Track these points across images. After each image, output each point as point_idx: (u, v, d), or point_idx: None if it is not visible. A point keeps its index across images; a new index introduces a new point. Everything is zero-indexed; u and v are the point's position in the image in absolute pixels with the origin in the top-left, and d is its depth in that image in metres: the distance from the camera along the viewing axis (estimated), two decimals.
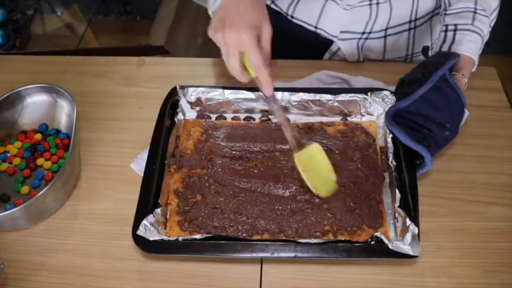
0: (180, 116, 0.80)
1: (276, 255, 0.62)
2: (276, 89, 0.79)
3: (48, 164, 0.77)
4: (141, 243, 0.63)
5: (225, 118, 0.81)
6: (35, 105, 0.80)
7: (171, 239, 0.64)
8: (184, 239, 0.64)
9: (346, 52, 0.92)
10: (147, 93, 0.87)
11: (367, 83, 0.85)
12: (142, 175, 0.70)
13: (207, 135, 0.78)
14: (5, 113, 0.79)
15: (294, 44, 0.93)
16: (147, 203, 0.67)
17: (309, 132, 0.78)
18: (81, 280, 0.65)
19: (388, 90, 0.78)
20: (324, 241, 0.63)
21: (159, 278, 0.65)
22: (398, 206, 0.66)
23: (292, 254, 0.62)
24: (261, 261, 0.66)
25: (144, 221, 0.64)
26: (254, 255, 0.63)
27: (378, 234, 0.62)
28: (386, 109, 0.74)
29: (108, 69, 0.93)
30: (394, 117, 0.71)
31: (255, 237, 0.66)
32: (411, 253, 0.61)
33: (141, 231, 0.63)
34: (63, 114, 0.80)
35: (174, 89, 0.80)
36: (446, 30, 0.75)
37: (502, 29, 0.98)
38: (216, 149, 0.76)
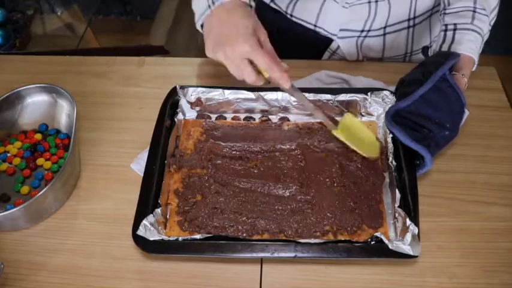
0: (180, 116, 0.80)
1: (276, 255, 0.62)
2: (276, 89, 0.79)
3: (48, 164, 0.77)
4: (141, 243, 0.63)
5: (225, 118, 0.81)
6: (35, 105, 0.80)
7: (171, 239, 0.64)
8: (184, 239, 0.64)
9: (346, 50, 0.92)
10: (147, 93, 0.87)
11: (367, 83, 0.85)
12: (142, 175, 0.70)
13: (207, 135, 0.78)
14: (5, 113, 0.79)
15: (294, 42, 0.93)
16: (147, 203, 0.67)
17: (309, 132, 0.78)
18: (81, 280, 0.65)
19: (388, 90, 0.78)
20: (324, 241, 0.63)
21: (159, 278, 0.65)
22: (398, 206, 0.66)
23: (292, 254, 0.62)
24: (261, 261, 0.66)
25: (144, 221, 0.64)
26: (254, 255, 0.63)
27: (378, 234, 0.62)
28: (386, 109, 0.74)
29: (108, 69, 0.93)
30: (394, 117, 0.71)
31: (255, 237, 0.66)
32: (411, 253, 0.61)
33: (141, 231, 0.63)
34: (63, 114, 0.80)
35: (174, 89, 0.80)
36: (445, 30, 0.75)
37: (502, 29, 0.98)
38: (216, 149, 0.76)
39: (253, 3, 0.70)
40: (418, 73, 0.73)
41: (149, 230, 0.64)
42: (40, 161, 0.77)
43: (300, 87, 0.81)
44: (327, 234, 0.66)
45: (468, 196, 0.72)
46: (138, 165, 0.75)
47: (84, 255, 0.67)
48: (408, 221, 0.63)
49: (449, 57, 0.70)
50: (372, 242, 0.63)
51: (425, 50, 0.84)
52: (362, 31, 0.89)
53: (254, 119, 0.81)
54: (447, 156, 0.77)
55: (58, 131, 0.81)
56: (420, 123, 0.69)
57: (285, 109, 0.80)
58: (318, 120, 0.80)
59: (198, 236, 0.64)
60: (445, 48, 0.73)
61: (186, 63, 0.94)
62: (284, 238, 0.66)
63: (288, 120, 0.80)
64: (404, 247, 0.61)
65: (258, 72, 0.67)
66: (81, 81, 0.90)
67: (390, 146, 0.73)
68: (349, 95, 0.78)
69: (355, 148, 0.73)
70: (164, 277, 0.65)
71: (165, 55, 1.46)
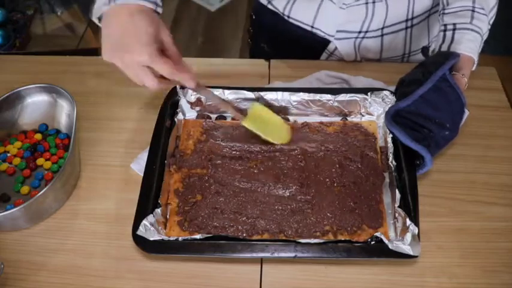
0: (180, 116, 0.80)
1: (276, 255, 0.62)
2: (276, 89, 0.79)
3: (48, 164, 0.77)
4: (141, 243, 0.63)
5: (225, 118, 0.81)
6: (35, 105, 0.80)
7: (171, 239, 0.64)
8: (184, 239, 0.64)
9: (343, 52, 0.92)
10: (147, 93, 0.87)
11: (367, 83, 0.85)
12: (142, 175, 0.70)
13: (207, 135, 0.78)
14: (5, 113, 0.79)
15: (291, 44, 0.93)
16: (147, 203, 0.67)
17: (308, 132, 0.78)
18: (81, 280, 0.65)
19: (388, 90, 0.78)
20: (324, 241, 0.63)
21: (159, 278, 0.65)
22: (398, 206, 0.66)
23: (292, 254, 0.62)
24: (261, 261, 0.66)
25: (144, 221, 0.64)
26: (254, 255, 0.63)
27: (378, 234, 0.62)
28: (386, 109, 0.74)
29: (108, 69, 0.92)
30: (394, 117, 0.71)
31: (255, 237, 0.66)
32: (411, 253, 0.61)
33: (141, 231, 0.63)
34: (63, 114, 0.80)
35: (174, 89, 0.80)
36: (445, 30, 0.75)
37: (501, 29, 0.98)
38: (216, 149, 0.76)
39: (160, 10, 0.67)
40: (418, 73, 0.73)
41: (149, 230, 0.64)
42: (40, 161, 0.77)
43: (300, 87, 0.81)
44: (327, 234, 0.66)
45: (468, 196, 0.72)
46: (138, 165, 0.75)
47: (84, 255, 0.67)
48: (408, 221, 0.63)
49: (449, 57, 0.70)
50: (372, 242, 0.63)
51: (425, 50, 0.84)
52: (359, 32, 0.89)
53: None
54: (447, 156, 0.77)
55: (58, 131, 0.81)
56: (420, 123, 0.69)
57: (285, 109, 0.80)
58: (318, 120, 0.80)
59: (198, 236, 0.64)
60: (444, 48, 0.73)
61: (186, 63, 0.94)
62: (284, 238, 0.66)
63: (288, 120, 0.80)
64: (404, 247, 0.61)
65: (161, 76, 0.65)
66: (81, 81, 0.90)
67: (390, 146, 0.73)
68: (349, 95, 0.78)
69: (265, 137, 0.74)
70: (164, 277, 0.65)
71: None
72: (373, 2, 0.85)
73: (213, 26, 2.36)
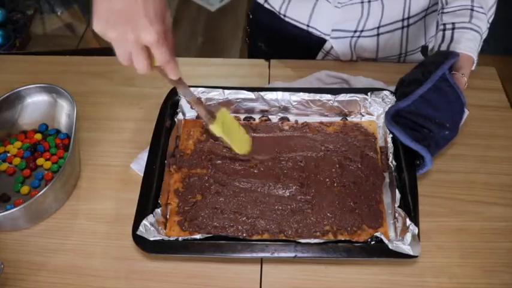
0: (180, 116, 0.80)
1: (276, 255, 0.62)
2: (276, 89, 0.79)
3: (48, 164, 0.77)
4: (141, 243, 0.63)
5: None
6: (35, 105, 0.80)
7: (171, 239, 0.64)
8: (184, 239, 0.64)
9: (339, 51, 0.92)
10: (147, 93, 0.87)
11: (367, 83, 0.85)
12: (142, 175, 0.70)
13: (207, 135, 0.78)
14: (5, 113, 0.79)
15: (287, 43, 0.93)
16: (147, 203, 0.67)
17: (308, 132, 0.78)
18: (81, 280, 0.65)
19: (388, 90, 0.78)
20: (324, 241, 0.63)
21: (159, 278, 0.65)
22: (398, 206, 0.66)
23: (292, 254, 0.62)
24: (261, 261, 0.66)
25: (144, 221, 0.64)
26: (254, 255, 0.63)
27: (378, 234, 0.62)
28: (386, 109, 0.74)
29: (108, 69, 0.93)
30: (394, 117, 0.71)
31: (255, 237, 0.66)
32: (411, 253, 0.61)
33: (141, 231, 0.63)
34: (63, 114, 0.80)
35: (174, 89, 0.80)
36: (444, 29, 0.75)
37: (501, 28, 0.98)
38: (216, 149, 0.76)
39: None
40: (418, 73, 0.73)
41: (149, 230, 0.64)
42: (40, 161, 0.77)
43: (300, 87, 0.81)
44: (327, 234, 0.66)
45: (468, 196, 0.72)
46: (138, 165, 0.75)
47: (84, 255, 0.67)
48: (408, 221, 0.63)
49: (449, 56, 0.70)
50: (372, 242, 0.63)
51: (424, 49, 0.84)
52: (355, 31, 0.89)
53: (254, 119, 0.81)
54: (447, 156, 0.77)
55: (58, 131, 0.81)
56: (420, 123, 0.69)
57: (285, 109, 0.80)
58: (318, 120, 0.80)
59: (198, 236, 0.64)
60: (444, 47, 0.73)
61: (186, 63, 0.94)
62: (284, 238, 0.66)
63: (288, 120, 0.80)
64: (404, 247, 0.61)
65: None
66: (81, 81, 0.90)
67: (390, 146, 0.73)
68: (349, 95, 0.78)
69: (229, 144, 0.70)
70: (164, 277, 0.65)
71: None
72: (369, 1, 0.85)
73: (213, 26, 2.36)
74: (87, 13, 1.95)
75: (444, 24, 0.75)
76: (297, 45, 0.93)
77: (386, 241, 0.62)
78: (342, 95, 0.78)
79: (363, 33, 0.89)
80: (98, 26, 0.55)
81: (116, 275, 0.65)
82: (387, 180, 0.72)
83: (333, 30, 0.89)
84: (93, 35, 1.85)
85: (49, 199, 0.69)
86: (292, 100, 0.79)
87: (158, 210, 0.66)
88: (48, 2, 1.89)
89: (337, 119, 0.80)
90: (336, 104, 0.79)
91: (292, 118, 0.81)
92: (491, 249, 0.67)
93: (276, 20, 0.93)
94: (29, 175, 0.76)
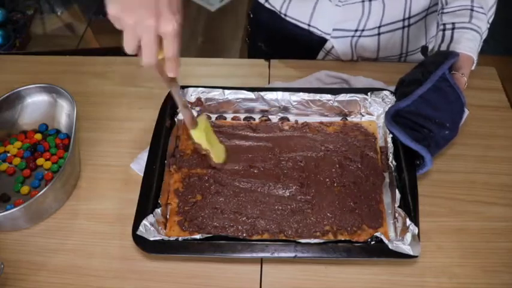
0: (180, 116, 0.80)
1: (276, 255, 0.62)
2: (276, 89, 0.79)
3: (48, 164, 0.77)
4: (141, 243, 0.63)
5: (225, 118, 0.81)
6: (35, 105, 0.80)
7: (171, 239, 0.64)
8: (184, 239, 0.64)
9: (340, 50, 0.92)
10: (147, 93, 0.87)
11: (367, 83, 0.85)
12: (142, 175, 0.70)
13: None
14: (5, 113, 0.79)
15: (288, 42, 0.93)
16: (147, 203, 0.67)
17: (308, 132, 0.78)
18: (81, 280, 0.65)
19: (388, 90, 0.78)
20: (324, 241, 0.63)
21: (159, 278, 0.65)
22: (398, 206, 0.66)
23: (292, 254, 0.62)
24: (261, 261, 0.66)
25: (144, 221, 0.64)
26: (254, 255, 0.63)
27: (378, 234, 0.62)
28: (386, 109, 0.74)
29: (108, 69, 0.92)
30: (394, 117, 0.71)
31: (255, 237, 0.66)
32: (411, 253, 0.61)
33: (141, 231, 0.63)
34: (63, 114, 0.80)
35: None
36: (444, 29, 0.75)
37: (501, 28, 0.98)
38: None
39: None
40: (418, 73, 0.73)
41: (149, 230, 0.64)
42: (40, 161, 0.77)
43: (300, 87, 0.81)
44: (327, 234, 0.66)
45: (468, 196, 0.72)
46: (138, 165, 0.75)
47: (84, 255, 0.67)
48: (408, 221, 0.63)
49: (449, 56, 0.70)
50: (372, 242, 0.63)
51: (424, 49, 0.84)
52: (356, 31, 0.89)
53: (254, 119, 0.81)
54: (447, 156, 0.77)
55: (58, 131, 0.81)
56: (420, 123, 0.69)
57: (285, 109, 0.80)
58: (318, 120, 0.80)
59: (198, 236, 0.64)
60: (443, 47, 0.73)
61: (186, 63, 0.93)
62: (284, 238, 0.66)
63: (288, 120, 0.80)
64: (404, 247, 0.61)
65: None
66: (81, 81, 0.90)
67: (390, 146, 0.73)
68: (349, 95, 0.78)
69: (208, 151, 0.71)
70: (164, 277, 0.65)
71: None
72: (370, 0, 0.85)
73: (213, 26, 2.36)
74: (87, 13, 1.95)
75: (444, 24, 0.75)
76: (298, 44, 0.93)
77: (386, 241, 0.62)
78: (342, 95, 0.78)
79: (364, 33, 0.89)
80: (112, 9, 0.52)
81: (116, 275, 0.65)
82: (387, 180, 0.72)
83: (333, 29, 0.89)
84: (93, 35, 1.85)
85: (49, 199, 0.69)
86: (292, 100, 0.79)
87: (158, 210, 0.66)
88: (48, 2, 1.89)
89: (337, 119, 0.80)
90: (336, 104, 0.79)
91: (292, 118, 0.81)
92: (491, 249, 0.67)
93: (277, 20, 0.93)
94: (29, 175, 0.76)
